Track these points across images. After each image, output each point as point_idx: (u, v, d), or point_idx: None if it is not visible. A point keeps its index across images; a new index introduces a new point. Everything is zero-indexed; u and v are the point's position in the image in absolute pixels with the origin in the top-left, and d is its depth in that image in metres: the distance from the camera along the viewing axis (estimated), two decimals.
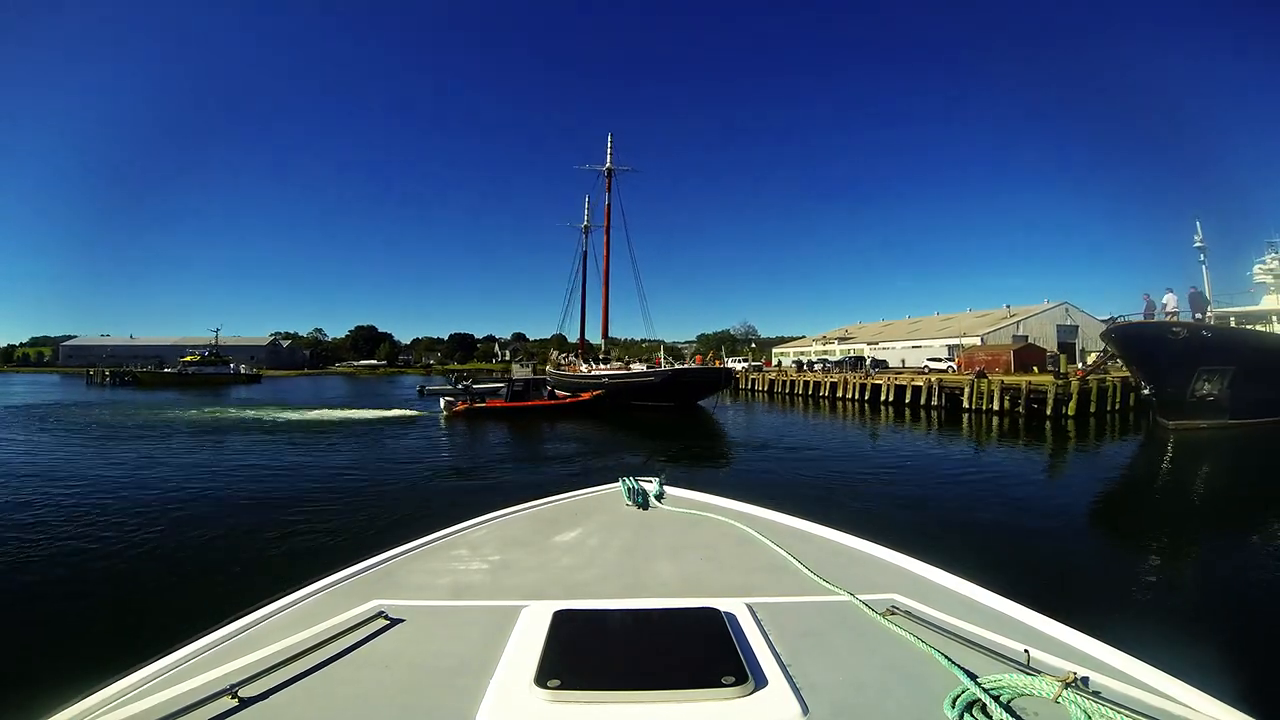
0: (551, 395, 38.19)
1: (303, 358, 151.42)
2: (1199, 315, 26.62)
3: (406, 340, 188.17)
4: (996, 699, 1.69)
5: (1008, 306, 72.85)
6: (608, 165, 54.45)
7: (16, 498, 14.11)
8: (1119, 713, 1.59)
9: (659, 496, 4.02)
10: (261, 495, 14.44)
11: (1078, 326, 67.28)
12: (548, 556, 3.07)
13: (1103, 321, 31.90)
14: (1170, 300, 26.68)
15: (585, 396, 38.56)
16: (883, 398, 42.17)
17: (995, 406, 34.30)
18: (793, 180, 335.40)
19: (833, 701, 1.75)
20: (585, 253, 64.42)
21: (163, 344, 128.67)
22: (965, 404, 35.96)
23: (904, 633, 2.12)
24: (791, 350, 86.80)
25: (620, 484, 4.14)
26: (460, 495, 15.05)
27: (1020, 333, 63.19)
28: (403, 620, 2.31)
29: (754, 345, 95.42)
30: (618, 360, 54.26)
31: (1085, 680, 1.79)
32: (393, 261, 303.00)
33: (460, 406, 34.82)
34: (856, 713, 1.71)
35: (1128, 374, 33.17)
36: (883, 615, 2.27)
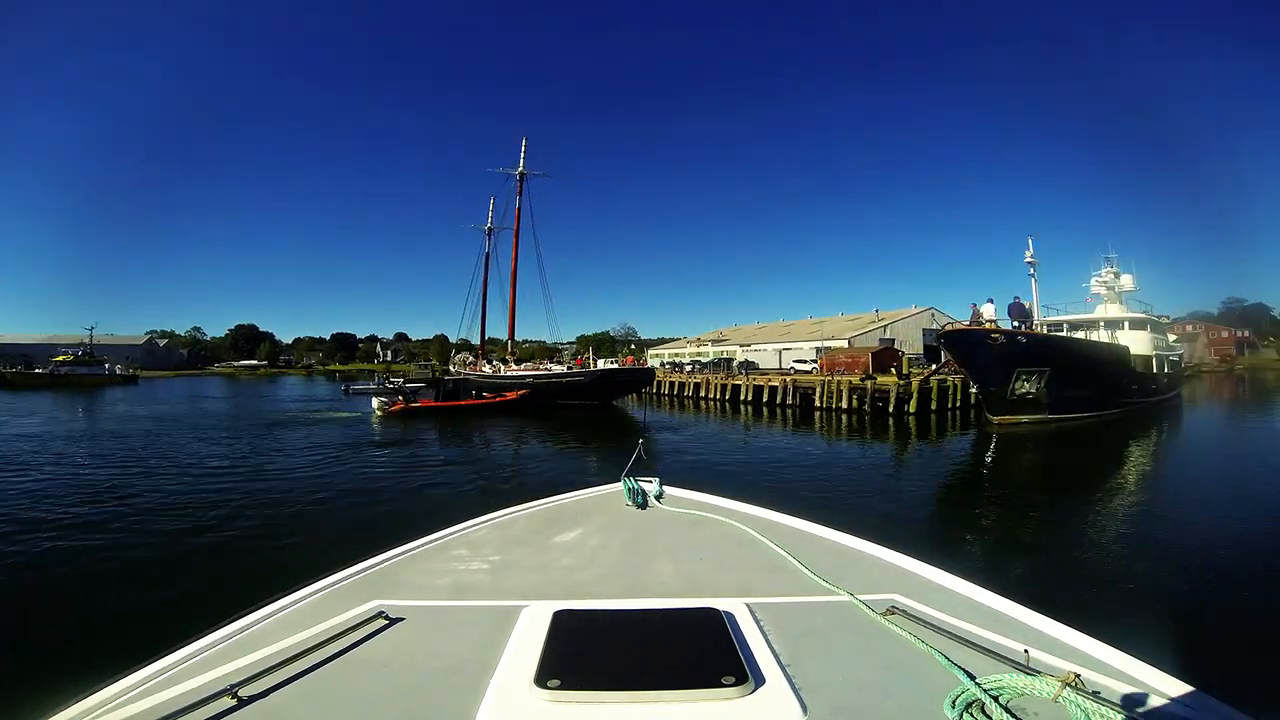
0: (479, 395, 39.34)
1: (180, 357, 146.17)
2: (1018, 323, 29.01)
3: (288, 340, 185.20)
4: (996, 699, 1.71)
5: (876, 310, 76.14)
6: (520, 169, 54.94)
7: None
8: (1118, 712, 1.60)
9: (659, 496, 4.07)
10: (241, 510, 12.94)
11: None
12: (548, 556, 3.10)
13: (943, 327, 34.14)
14: (988, 309, 29.16)
15: (511, 396, 39.46)
16: (743, 397, 43.35)
17: (844, 405, 35.74)
18: (680, 184, 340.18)
19: (832, 701, 1.78)
20: (489, 254, 65.70)
21: (32, 342, 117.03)
22: (817, 403, 37.31)
23: (904, 633, 2.15)
24: (666, 351, 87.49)
25: (620, 484, 4.18)
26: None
27: (887, 336, 64.92)
28: (403, 620, 2.34)
29: (633, 346, 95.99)
30: (526, 361, 54.78)
31: (1085, 680, 1.76)
32: (274, 259, 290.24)
33: (396, 406, 34.54)
34: (856, 713, 1.73)
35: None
36: (882, 615, 2.29)
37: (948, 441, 26.57)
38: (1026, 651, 1.98)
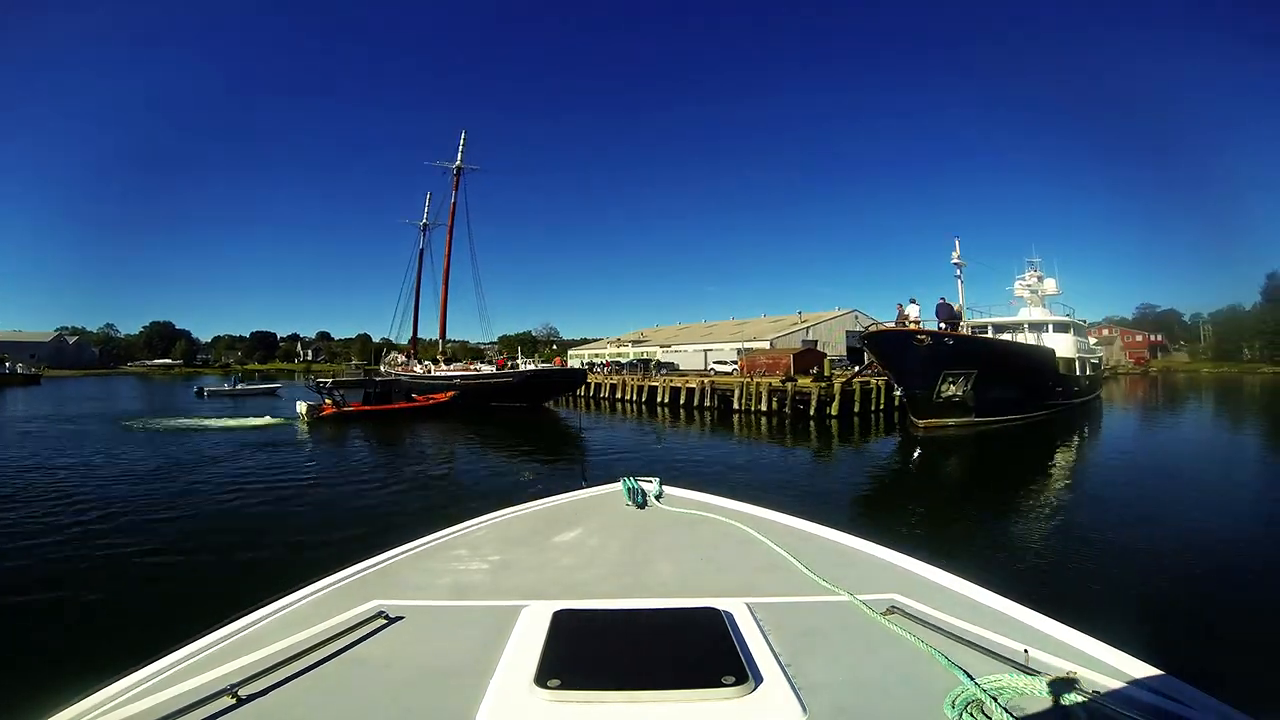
0: (408, 397, 37.68)
1: (91, 356, 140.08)
2: (944, 324, 28.26)
3: (206, 338, 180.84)
4: (996, 698, 1.71)
5: (800, 312, 75.38)
6: (458, 163, 53.01)
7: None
8: (1118, 712, 1.63)
9: (658, 496, 4.02)
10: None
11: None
12: (548, 556, 3.11)
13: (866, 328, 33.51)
14: (913, 310, 28.41)
15: (441, 398, 37.80)
16: (659, 399, 42.12)
17: (763, 407, 34.45)
18: (604, 184, 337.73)
19: (832, 701, 1.78)
20: (423, 251, 63.44)
21: None
22: (736, 405, 36.03)
23: (903, 632, 2.15)
24: (587, 352, 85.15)
25: (620, 484, 4.12)
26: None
27: (810, 338, 65.15)
28: (402, 620, 2.34)
29: (555, 346, 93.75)
30: (455, 362, 52.80)
31: (1083, 679, 1.79)
32: (192, 254, 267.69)
33: (327, 410, 32.25)
34: (856, 712, 1.75)
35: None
36: (882, 615, 2.30)
37: (871, 445, 26.10)
38: (1026, 651, 1.99)
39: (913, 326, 27.25)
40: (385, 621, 2.30)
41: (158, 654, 2.09)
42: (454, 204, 53.21)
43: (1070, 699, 1.66)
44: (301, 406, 32.42)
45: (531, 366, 43.99)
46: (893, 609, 2.33)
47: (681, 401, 39.85)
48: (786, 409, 33.22)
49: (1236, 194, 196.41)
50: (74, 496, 14.06)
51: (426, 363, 51.10)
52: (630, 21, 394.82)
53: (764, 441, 26.24)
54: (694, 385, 40.00)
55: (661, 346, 74.26)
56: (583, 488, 4.27)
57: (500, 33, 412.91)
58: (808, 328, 67.79)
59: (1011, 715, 1.64)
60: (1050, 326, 35.71)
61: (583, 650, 1.99)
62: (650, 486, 4.09)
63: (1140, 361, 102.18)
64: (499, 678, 1.90)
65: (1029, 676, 1.77)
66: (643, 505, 3.88)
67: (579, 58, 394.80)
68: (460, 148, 53.01)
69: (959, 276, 33.67)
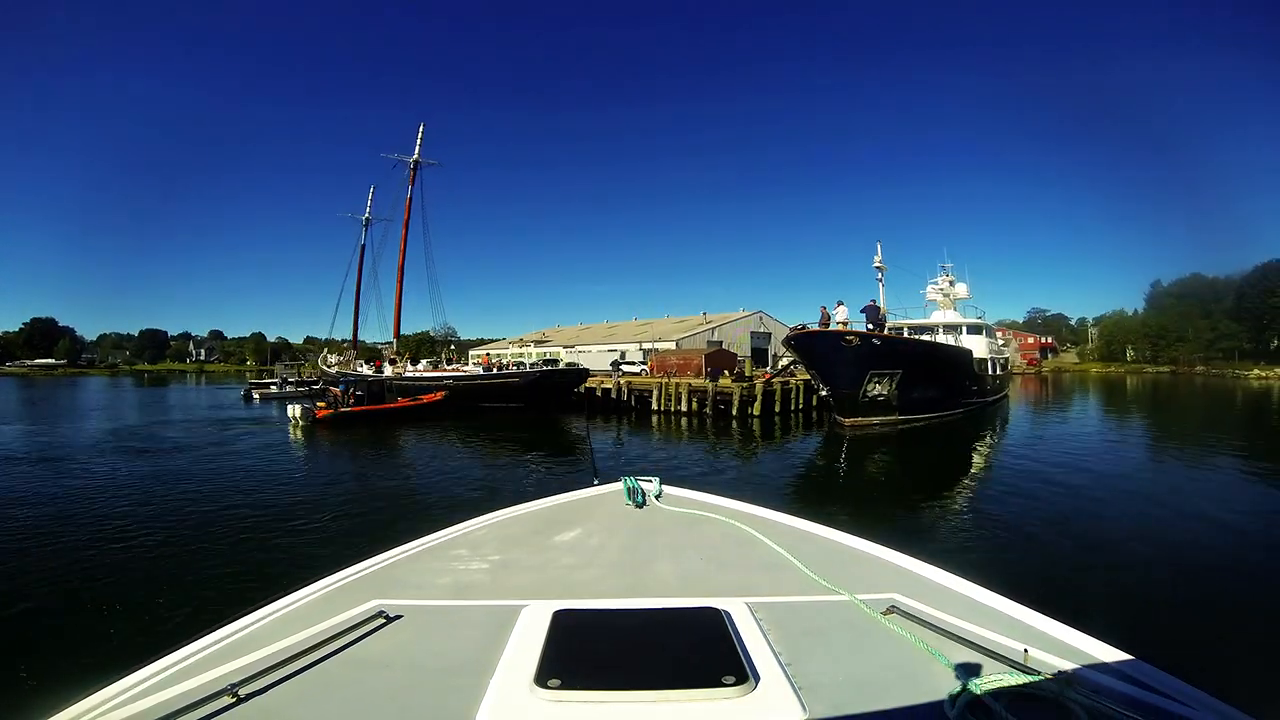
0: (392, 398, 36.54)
1: None
2: (871, 326, 29.35)
3: (91, 336, 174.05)
4: (996, 698, 1.74)
5: (704, 313, 76.33)
6: (415, 157, 53.42)
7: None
8: (1117, 710, 1.66)
9: (658, 496, 4.08)
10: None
11: (770, 334, 72.47)
12: (548, 556, 3.16)
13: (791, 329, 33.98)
14: (841, 311, 29.71)
15: (430, 399, 36.35)
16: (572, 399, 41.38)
17: (683, 408, 34.67)
18: (499, 179, 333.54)
19: (832, 701, 1.82)
20: (364, 246, 65.73)
21: None
22: (655, 405, 36.12)
23: (903, 632, 2.20)
24: (488, 352, 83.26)
25: (620, 484, 4.18)
26: None
27: (715, 338, 66.25)
28: (402, 620, 2.38)
29: (453, 346, 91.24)
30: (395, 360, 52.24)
31: (1083, 679, 1.84)
32: (74, 247, 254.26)
33: (323, 412, 30.64)
34: (856, 712, 1.78)
35: (809, 377, 35.32)
36: (882, 614, 2.34)
37: (796, 443, 26.86)
38: (1026, 651, 2.01)
39: (839, 328, 28.09)
40: (385, 621, 2.35)
41: (158, 654, 2.12)
42: (409, 199, 53.42)
43: (1070, 698, 1.69)
44: (294, 410, 30.40)
45: (516, 365, 44.73)
46: (892, 608, 2.39)
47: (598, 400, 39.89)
48: (708, 409, 33.59)
49: (1126, 200, 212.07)
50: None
51: (401, 362, 50.52)
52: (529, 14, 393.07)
53: (689, 441, 26.60)
54: (609, 385, 40.02)
55: (565, 346, 73.74)
56: (595, 485, 4.32)
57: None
58: (713, 328, 68.65)
59: (1011, 715, 1.66)
60: (964, 329, 37.70)
61: (583, 650, 2.04)
62: (650, 486, 4.15)
63: (1032, 362, 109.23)
64: (499, 678, 1.94)
65: (1029, 676, 1.80)
66: (642, 505, 3.94)
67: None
68: (418, 141, 53.22)
69: (880, 280, 35.42)
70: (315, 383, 37.84)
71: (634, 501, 3.92)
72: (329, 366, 60.67)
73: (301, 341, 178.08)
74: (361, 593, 2.61)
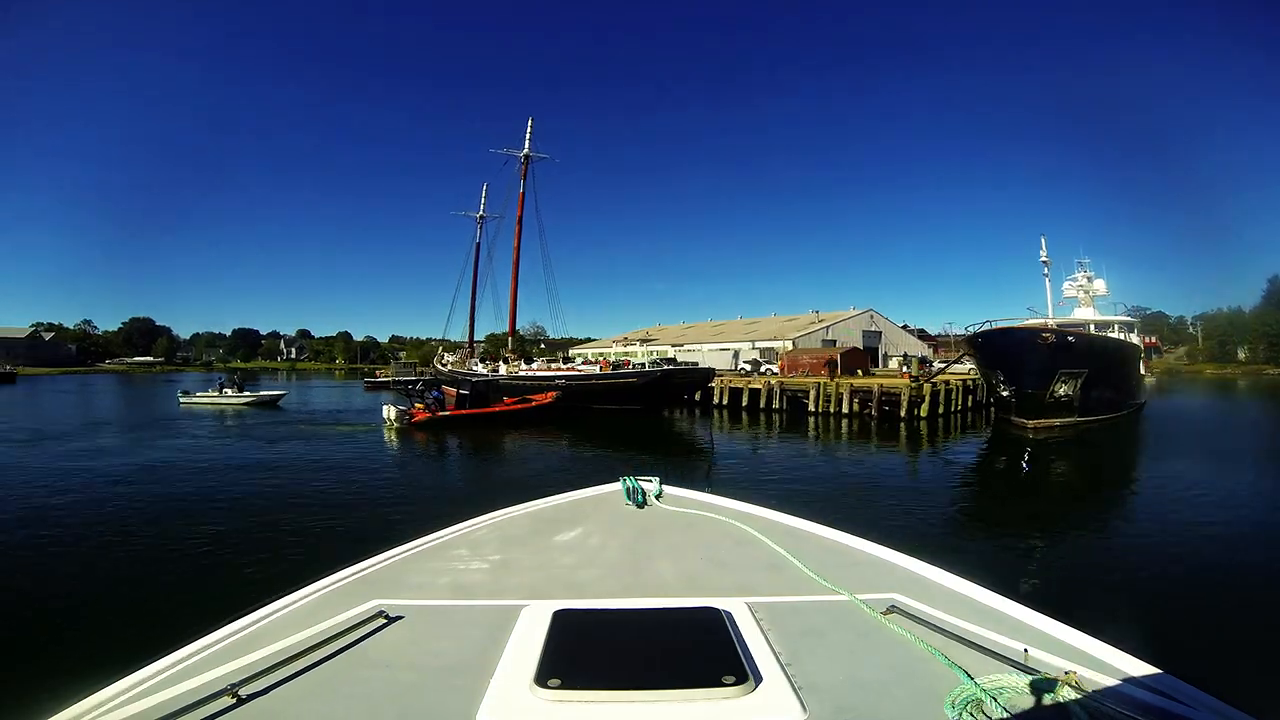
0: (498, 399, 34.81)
1: (68, 353, 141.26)
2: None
3: (186, 335, 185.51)
4: (996, 698, 1.78)
5: (816, 311, 76.43)
6: (525, 151, 53.30)
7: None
8: (1117, 711, 1.69)
9: (658, 496, 4.17)
10: None
11: (881, 332, 73.17)
12: (548, 556, 3.22)
13: (911, 330, 34.21)
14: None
15: (542, 399, 34.42)
16: (716, 400, 41.57)
17: (845, 409, 34.74)
18: (595, 183, 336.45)
19: (832, 701, 1.84)
20: (479, 244, 67.00)
21: None
22: (811, 406, 36.11)
23: (903, 632, 2.24)
24: (590, 351, 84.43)
25: (620, 484, 4.26)
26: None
27: (829, 337, 66.78)
28: (402, 620, 2.43)
29: (543, 346, 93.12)
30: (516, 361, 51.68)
31: (1084, 679, 1.85)
32: (172, 251, 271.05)
33: (419, 415, 29.18)
34: (856, 712, 1.80)
35: (965, 377, 36.81)
36: (882, 614, 2.39)
37: (971, 447, 26.43)
38: (1026, 651, 2.05)
39: (1032, 325, 28.48)
40: (385, 621, 2.39)
41: (158, 654, 2.16)
42: (521, 194, 53.52)
43: (1070, 698, 1.73)
44: (389, 411, 29.48)
45: (639, 364, 43.66)
46: (892, 609, 2.42)
47: (744, 404, 39.72)
48: (872, 411, 33.64)
49: (1233, 195, 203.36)
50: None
51: (515, 362, 50.11)
52: (628, 21, 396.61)
53: (854, 446, 25.91)
54: (758, 386, 39.97)
55: (672, 345, 74.50)
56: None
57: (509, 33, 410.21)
58: (826, 327, 68.99)
59: (1011, 715, 1.72)
60: (1115, 327, 37.38)
61: (583, 650, 2.06)
62: (650, 486, 4.23)
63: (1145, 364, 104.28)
64: (499, 677, 1.97)
65: (1029, 676, 1.85)
66: (643, 505, 4.02)
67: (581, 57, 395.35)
68: (527, 135, 53.24)
69: (1046, 275, 35.72)
70: (415, 382, 37.94)
71: (634, 501, 4.02)
72: (443, 365, 61.59)
73: (387, 340, 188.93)
74: (361, 593, 2.68)
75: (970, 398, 37.05)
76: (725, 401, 41.21)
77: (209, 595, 8.41)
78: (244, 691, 1.86)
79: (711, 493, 4.22)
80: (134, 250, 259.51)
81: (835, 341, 65.15)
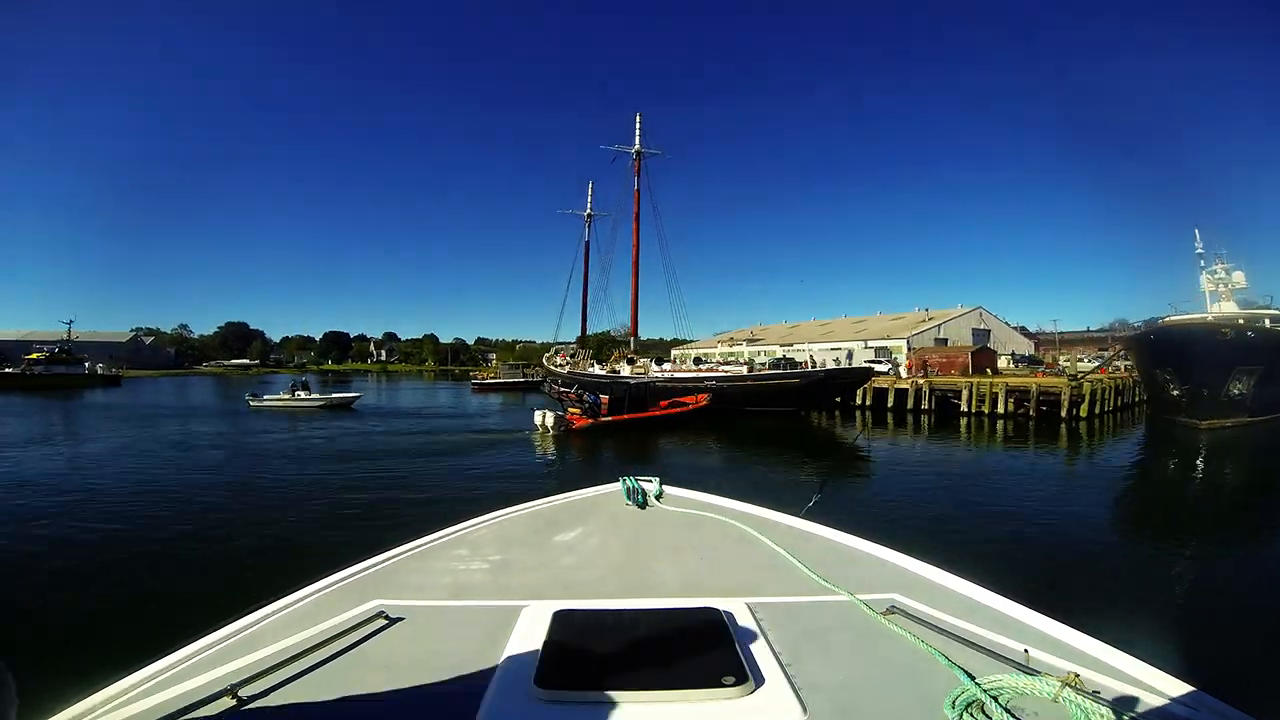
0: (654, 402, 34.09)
1: (167, 356, 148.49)
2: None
3: (277, 338, 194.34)
4: (996, 699, 1.78)
5: (926, 309, 76.85)
6: (636, 147, 53.90)
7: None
8: (1118, 712, 1.67)
9: (659, 496, 4.17)
10: None
11: (989, 330, 72.97)
12: (548, 556, 3.23)
13: (1012, 328, 34.27)
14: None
15: (693, 402, 33.87)
16: (857, 401, 42.11)
17: (1000, 409, 35.75)
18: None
19: (833, 701, 1.85)
20: (588, 243, 68.39)
21: (4, 339, 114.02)
22: (963, 407, 37.10)
23: (903, 632, 2.25)
24: (693, 352, 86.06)
25: (620, 484, 4.28)
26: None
27: (940, 335, 67.23)
28: (403, 620, 2.42)
29: (631, 346, 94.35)
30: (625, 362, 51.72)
31: (1084, 680, 1.82)
32: (263, 255, 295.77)
33: (579, 421, 27.99)
34: (856, 712, 1.81)
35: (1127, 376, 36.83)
36: (882, 615, 2.40)
37: (1142, 449, 26.27)
38: (1026, 651, 2.10)
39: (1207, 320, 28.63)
40: (385, 621, 2.38)
41: (158, 654, 2.16)
42: (637, 190, 54.00)
43: (1071, 699, 1.71)
44: (544, 418, 27.21)
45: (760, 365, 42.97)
46: (893, 609, 2.43)
47: (889, 404, 40.48)
48: (1030, 411, 34.59)
49: None
50: None
51: (644, 361, 50.53)
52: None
53: (1025, 449, 25.40)
54: (905, 386, 40.80)
55: (781, 345, 75.86)
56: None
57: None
58: (937, 325, 69.26)
59: (1011, 715, 1.72)
60: (1267, 320, 35.88)
61: (583, 650, 2.06)
62: (650, 486, 4.25)
63: None
64: (499, 678, 1.97)
65: (1029, 676, 1.84)
66: (643, 505, 4.03)
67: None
68: (637, 131, 53.93)
69: (1203, 268, 35.76)
70: (572, 385, 34.33)
71: (634, 501, 4.03)
72: (557, 367, 61.71)
73: (473, 342, 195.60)
74: (361, 593, 2.68)
75: (1119, 398, 37.62)
76: (869, 402, 41.72)
77: None
78: (244, 691, 1.88)
79: (712, 493, 4.25)
80: (226, 257, 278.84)
81: (946, 340, 65.77)
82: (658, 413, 32.17)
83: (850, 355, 63.29)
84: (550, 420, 27.12)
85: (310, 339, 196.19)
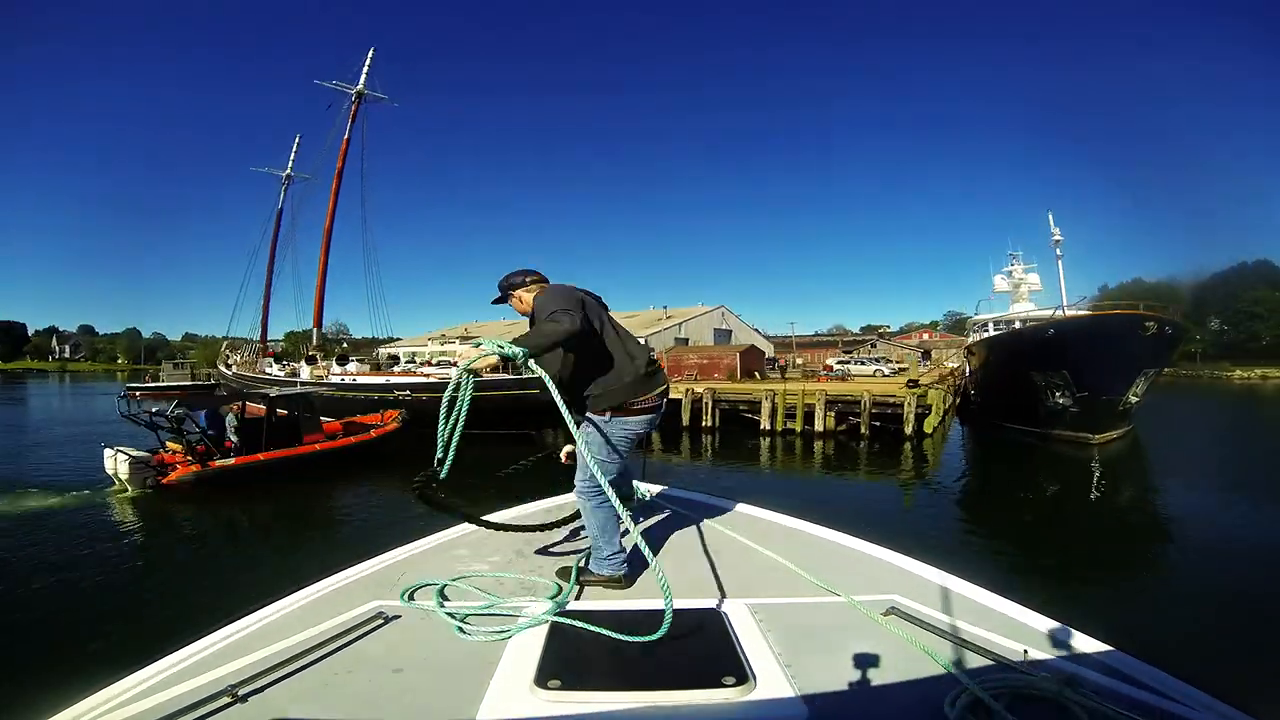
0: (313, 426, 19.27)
1: None
2: None
3: None
4: (995, 698, 1.79)
5: (665, 307, 69.63)
6: (359, 86, 41.03)
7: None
8: (1116, 711, 1.72)
9: (659, 497, 4.28)
10: None
11: (731, 331, 68.01)
12: (547, 557, 3.35)
13: (766, 334, 28.33)
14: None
15: (377, 424, 21.15)
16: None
17: (819, 426, 26.00)
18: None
19: (832, 701, 1.89)
20: (281, 211, 53.62)
21: None
22: (764, 424, 27.09)
23: (902, 633, 2.31)
24: (401, 351, 71.27)
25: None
26: None
27: (681, 335, 60.72)
28: (402, 620, 2.51)
29: (345, 345, 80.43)
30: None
31: (1082, 679, 1.89)
32: None
33: (182, 468, 15.15)
34: (856, 712, 1.87)
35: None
36: (881, 615, 2.46)
37: (1030, 470, 20.59)
38: (1025, 651, 2.08)
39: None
40: (385, 622, 2.46)
41: (158, 654, 2.19)
42: (346, 140, 41.30)
43: (1070, 698, 1.74)
44: (117, 463, 14.93)
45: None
46: (892, 610, 2.49)
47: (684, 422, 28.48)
48: (862, 427, 25.40)
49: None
50: None
51: (325, 362, 35.61)
52: None
53: (880, 479, 19.37)
54: (677, 396, 28.40)
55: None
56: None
57: None
58: (678, 324, 61.99)
59: (1011, 715, 1.70)
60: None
61: (582, 650, 2.17)
62: (651, 488, 4.32)
63: None
64: (499, 678, 2.01)
65: (1028, 676, 1.88)
66: (643, 506, 4.11)
67: None
68: (365, 69, 41.19)
69: (1059, 255, 32.01)
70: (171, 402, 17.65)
71: (635, 503, 3.99)
72: (228, 366, 47.85)
73: (180, 338, 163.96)
74: (361, 593, 2.74)
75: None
76: None
77: None
78: (244, 691, 1.89)
79: (712, 494, 4.38)
80: None
81: (688, 340, 59.03)
82: (321, 444, 18.42)
83: None
84: (124, 467, 14.68)
85: None
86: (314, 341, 41.42)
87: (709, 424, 28.44)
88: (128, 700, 1.90)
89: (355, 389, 28.79)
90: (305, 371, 34.70)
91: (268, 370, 40.40)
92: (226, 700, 1.84)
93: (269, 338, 56.79)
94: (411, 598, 2.69)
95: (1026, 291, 36.77)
